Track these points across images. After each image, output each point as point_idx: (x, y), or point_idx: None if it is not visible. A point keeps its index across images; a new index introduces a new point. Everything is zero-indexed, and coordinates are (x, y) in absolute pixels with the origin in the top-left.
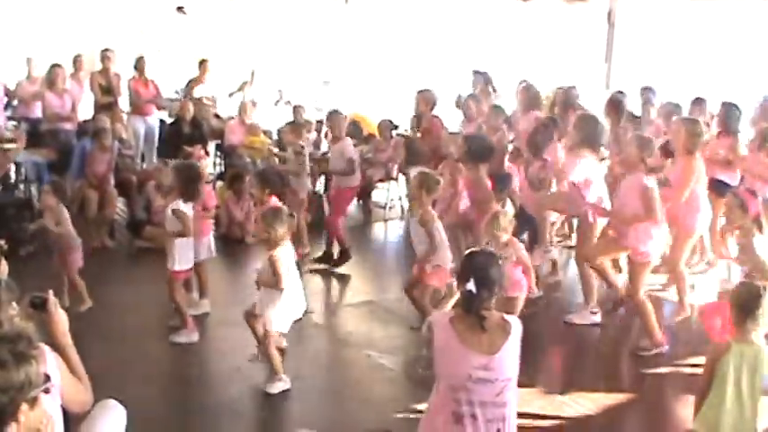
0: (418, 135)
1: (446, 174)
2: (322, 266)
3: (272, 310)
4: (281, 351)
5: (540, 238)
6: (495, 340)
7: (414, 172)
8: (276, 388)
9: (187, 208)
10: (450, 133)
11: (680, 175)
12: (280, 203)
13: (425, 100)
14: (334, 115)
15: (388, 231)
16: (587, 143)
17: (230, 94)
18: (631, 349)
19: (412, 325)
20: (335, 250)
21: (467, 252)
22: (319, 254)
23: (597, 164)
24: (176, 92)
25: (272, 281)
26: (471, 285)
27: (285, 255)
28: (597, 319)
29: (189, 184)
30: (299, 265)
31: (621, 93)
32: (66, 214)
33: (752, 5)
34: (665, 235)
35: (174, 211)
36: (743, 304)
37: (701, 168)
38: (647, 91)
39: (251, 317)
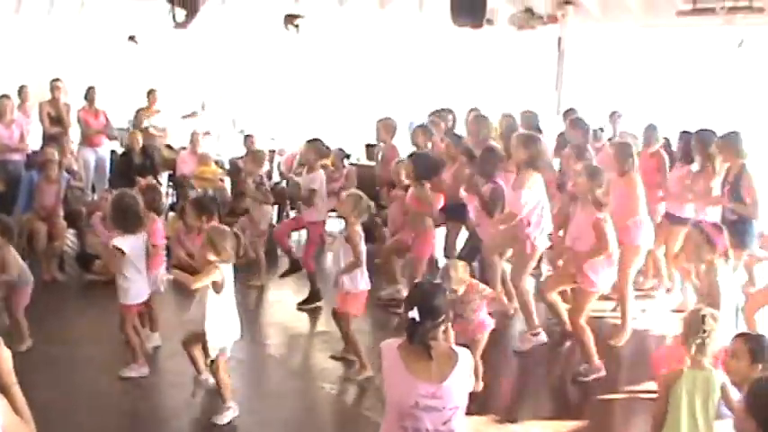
0: (374, 164)
1: (395, 204)
2: (312, 306)
3: (208, 328)
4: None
5: (492, 285)
6: (442, 369)
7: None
8: (225, 418)
9: (127, 242)
10: (398, 161)
11: (623, 196)
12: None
13: (386, 128)
14: (310, 144)
15: (340, 261)
16: (533, 164)
17: (183, 116)
18: (572, 376)
19: (333, 354)
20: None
21: (414, 282)
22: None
23: (542, 185)
24: (129, 121)
25: (185, 280)
26: (415, 314)
27: (226, 272)
28: (543, 338)
29: (122, 215)
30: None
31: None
32: (13, 255)
33: (698, 35)
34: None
35: (110, 247)
36: (691, 331)
37: (640, 187)
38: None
39: (188, 343)
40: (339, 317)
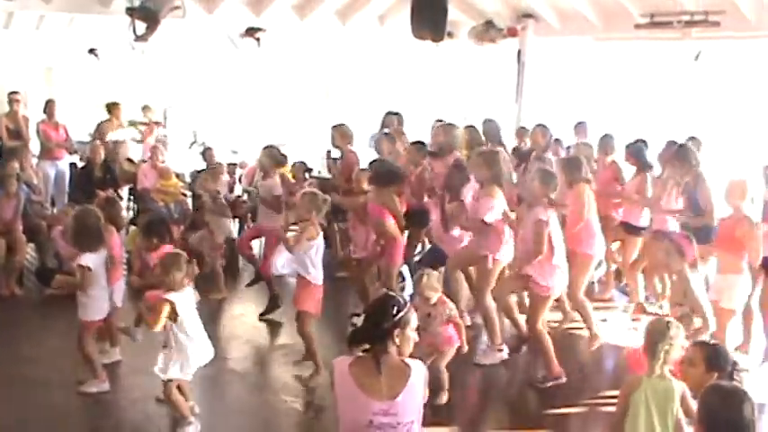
0: (334, 173)
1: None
2: (271, 317)
3: (160, 356)
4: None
5: (455, 299)
6: (394, 384)
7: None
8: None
9: (91, 259)
10: (362, 169)
11: (575, 207)
12: (178, 250)
13: (342, 134)
14: (267, 151)
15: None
16: (497, 180)
17: (140, 141)
18: (530, 382)
19: (296, 359)
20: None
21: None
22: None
23: (503, 201)
24: (89, 134)
25: (149, 318)
26: (358, 320)
27: (183, 300)
28: (504, 355)
29: (84, 233)
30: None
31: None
32: None
33: (656, 48)
34: (565, 269)
35: (77, 266)
36: (652, 340)
37: (591, 197)
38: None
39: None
40: (300, 317)
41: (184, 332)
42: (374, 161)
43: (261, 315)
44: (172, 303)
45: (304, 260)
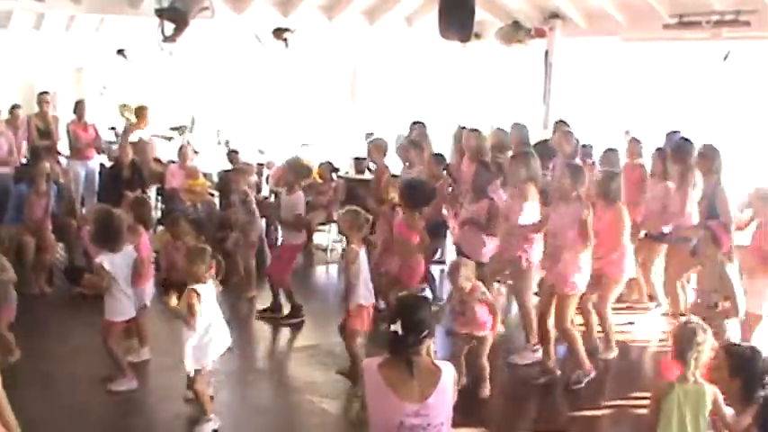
0: (365, 177)
1: (383, 221)
2: (269, 316)
3: (186, 346)
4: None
5: (528, 331)
6: (425, 386)
7: (342, 210)
8: (205, 429)
9: (109, 259)
10: (392, 176)
11: (612, 225)
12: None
13: (378, 148)
14: (290, 164)
15: (329, 274)
16: (533, 180)
17: (169, 138)
18: (565, 385)
19: (339, 369)
20: (283, 300)
21: (398, 295)
22: (267, 305)
23: (537, 201)
24: (116, 134)
25: (184, 317)
26: (398, 327)
27: (205, 292)
28: (539, 355)
29: (104, 233)
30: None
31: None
32: (6, 267)
33: (684, 48)
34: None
35: (98, 265)
36: (680, 344)
37: (626, 217)
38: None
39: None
40: (344, 332)
41: (204, 323)
42: (408, 182)
43: (283, 319)
44: (198, 293)
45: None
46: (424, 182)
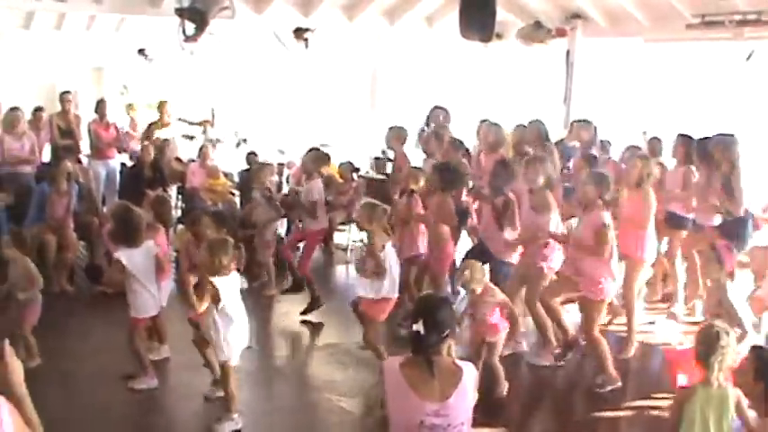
0: (382, 176)
1: (403, 208)
2: (314, 317)
3: (218, 336)
4: None
5: (544, 332)
6: (445, 386)
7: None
8: (226, 428)
9: (127, 254)
10: (412, 167)
11: (638, 209)
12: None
13: (398, 137)
14: (309, 153)
15: (349, 274)
16: (549, 185)
17: (191, 138)
18: (587, 387)
19: (350, 351)
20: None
21: (420, 294)
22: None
23: (556, 207)
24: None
25: (191, 300)
26: (420, 327)
27: (226, 285)
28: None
29: (122, 228)
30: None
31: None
32: (32, 266)
33: (707, 47)
34: (618, 272)
35: (116, 260)
36: (703, 350)
37: (653, 200)
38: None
39: (200, 343)
40: (364, 320)
41: (225, 317)
42: (439, 165)
43: (301, 313)
44: (215, 287)
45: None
46: (454, 165)
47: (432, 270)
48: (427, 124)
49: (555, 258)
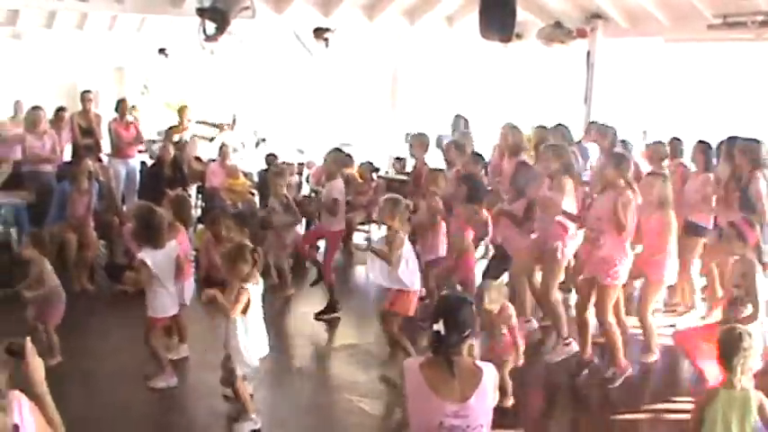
0: (406, 178)
1: (425, 211)
2: (330, 317)
3: (233, 343)
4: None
5: (521, 306)
6: (465, 387)
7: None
8: (245, 428)
9: (150, 255)
10: (432, 170)
11: (659, 228)
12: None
13: (421, 144)
14: (331, 153)
15: (368, 274)
16: (567, 170)
17: (211, 139)
18: (599, 382)
19: (362, 358)
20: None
21: (441, 294)
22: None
23: (573, 193)
24: (158, 133)
25: (223, 307)
26: (440, 327)
27: (254, 293)
28: (574, 348)
29: (145, 229)
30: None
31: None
32: (49, 268)
33: (729, 48)
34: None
35: (140, 261)
36: (726, 350)
37: (674, 222)
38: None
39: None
40: (386, 317)
41: (247, 325)
42: (466, 177)
43: (317, 315)
44: (249, 294)
45: (398, 272)
46: (479, 178)
47: (459, 276)
48: (452, 132)
49: (570, 244)
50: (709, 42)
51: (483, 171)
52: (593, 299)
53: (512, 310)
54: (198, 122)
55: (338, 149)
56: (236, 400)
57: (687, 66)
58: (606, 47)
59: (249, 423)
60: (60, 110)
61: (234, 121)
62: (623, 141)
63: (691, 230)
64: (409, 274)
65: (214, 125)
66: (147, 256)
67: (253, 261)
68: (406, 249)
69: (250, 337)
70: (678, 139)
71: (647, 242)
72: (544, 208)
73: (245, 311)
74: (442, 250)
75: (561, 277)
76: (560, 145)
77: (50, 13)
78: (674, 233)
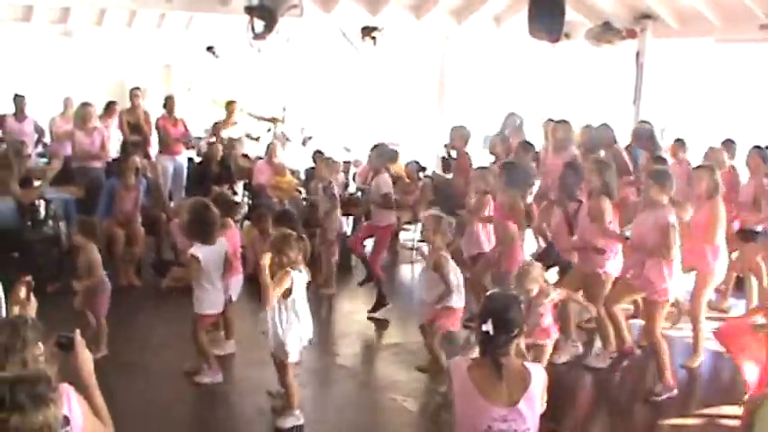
0: (449, 176)
1: (474, 206)
2: (379, 315)
3: (273, 331)
4: None
5: (566, 328)
6: (513, 390)
7: (425, 214)
8: (288, 422)
9: (201, 250)
10: (478, 168)
11: (708, 220)
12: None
13: (461, 136)
14: (376, 148)
15: (414, 273)
16: (607, 192)
17: (257, 138)
18: (644, 395)
19: (419, 365)
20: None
21: (487, 293)
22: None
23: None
24: (205, 131)
25: (268, 287)
26: (489, 327)
27: (297, 279)
28: (580, 349)
29: (198, 224)
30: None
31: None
32: (96, 255)
33: None
34: (680, 274)
35: (189, 255)
36: None
37: (723, 212)
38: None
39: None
40: (426, 329)
41: (294, 311)
42: (507, 164)
43: (369, 312)
44: (292, 278)
45: (443, 287)
46: (521, 164)
47: (498, 268)
48: (502, 130)
49: (613, 264)
50: (760, 43)
51: (534, 162)
52: (622, 298)
53: (551, 290)
54: (249, 114)
55: (382, 144)
56: (282, 392)
57: (739, 66)
58: (656, 47)
59: (292, 418)
60: (111, 103)
61: (284, 113)
62: (679, 139)
63: (743, 235)
64: (457, 292)
65: (265, 119)
66: (199, 251)
67: (298, 249)
68: (452, 266)
69: (291, 322)
70: (732, 141)
71: (697, 234)
72: (585, 243)
73: (287, 296)
74: (486, 245)
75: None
76: (603, 161)
77: (101, 11)
78: (723, 223)
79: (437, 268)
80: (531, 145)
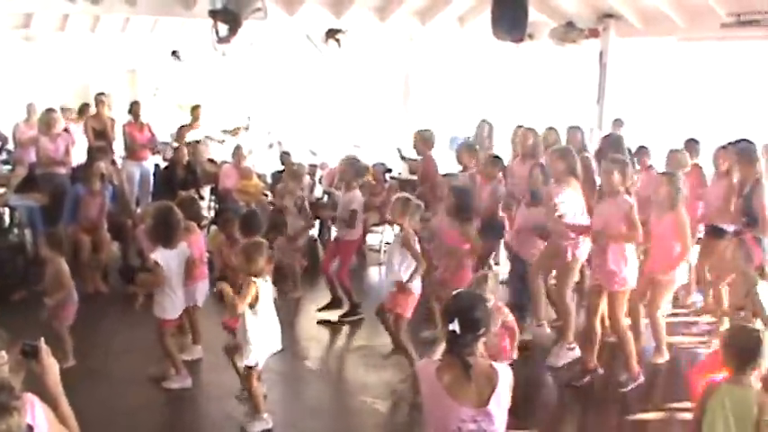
0: (414, 178)
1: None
2: (329, 315)
3: (246, 339)
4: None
5: (534, 310)
6: (482, 391)
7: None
8: (256, 427)
9: (162, 255)
10: (444, 175)
11: (672, 231)
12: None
13: (424, 140)
14: (348, 163)
15: (382, 275)
16: (571, 173)
17: (221, 142)
18: (612, 386)
19: (375, 360)
20: (343, 297)
21: (453, 293)
22: (325, 302)
23: (580, 194)
24: (171, 135)
25: (232, 300)
26: (455, 326)
27: (264, 288)
28: (577, 353)
29: (161, 228)
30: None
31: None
32: (64, 267)
33: (739, 48)
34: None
35: (152, 261)
36: (742, 348)
37: (686, 223)
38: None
39: (231, 350)
40: (387, 316)
41: (259, 320)
42: (455, 189)
43: (341, 317)
44: (258, 286)
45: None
46: (469, 190)
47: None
48: (475, 136)
49: (582, 247)
50: (722, 41)
51: (501, 174)
52: (601, 306)
53: (506, 309)
54: (210, 139)
55: (354, 158)
56: (248, 398)
57: (701, 65)
58: (619, 47)
59: (261, 423)
60: (86, 105)
61: (248, 122)
62: (642, 147)
63: (714, 234)
64: (417, 277)
65: (227, 131)
66: (160, 255)
67: (269, 258)
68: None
69: (259, 331)
70: (695, 140)
71: (657, 243)
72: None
73: (253, 305)
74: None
75: (576, 277)
76: (565, 147)
77: (63, 16)
78: (688, 234)
79: (405, 244)
80: (499, 158)
